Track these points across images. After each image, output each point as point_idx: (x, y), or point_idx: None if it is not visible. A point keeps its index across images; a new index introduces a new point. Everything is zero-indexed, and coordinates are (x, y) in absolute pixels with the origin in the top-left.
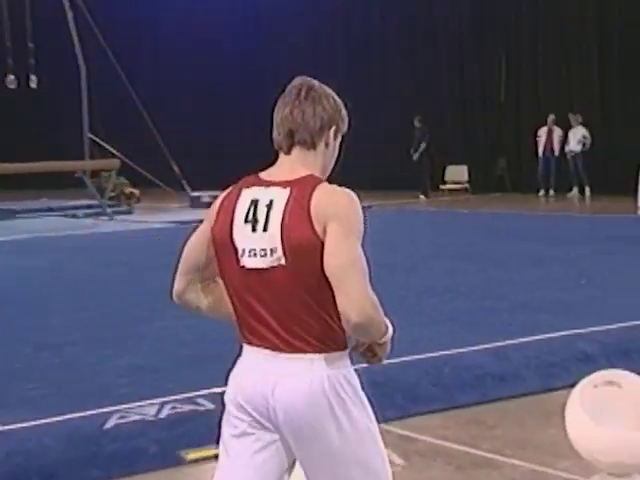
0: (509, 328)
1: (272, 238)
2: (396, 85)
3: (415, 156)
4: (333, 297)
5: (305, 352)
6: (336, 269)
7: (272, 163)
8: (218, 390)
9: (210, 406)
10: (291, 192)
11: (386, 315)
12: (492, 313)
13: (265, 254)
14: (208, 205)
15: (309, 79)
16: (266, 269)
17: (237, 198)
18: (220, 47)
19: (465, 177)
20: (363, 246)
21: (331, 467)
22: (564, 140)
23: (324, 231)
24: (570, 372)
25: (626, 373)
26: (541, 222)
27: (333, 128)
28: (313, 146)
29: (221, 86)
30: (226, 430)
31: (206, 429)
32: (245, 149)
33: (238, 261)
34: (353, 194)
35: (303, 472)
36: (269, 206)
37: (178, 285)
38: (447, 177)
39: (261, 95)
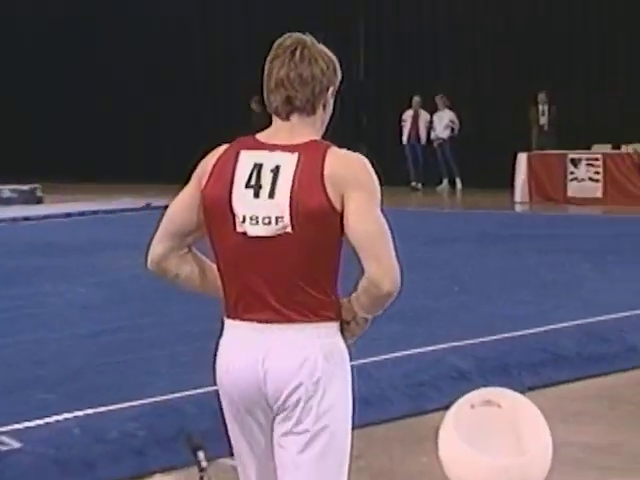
0: (372, 343)
1: (279, 206)
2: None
3: None
4: (334, 268)
5: (297, 322)
6: (366, 235)
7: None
8: (23, 426)
9: (15, 445)
10: (299, 157)
11: None
12: None
13: (269, 222)
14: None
15: (302, 36)
16: (268, 237)
17: (236, 160)
18: None
19: None
20: None
21: (306, 442)
22: (431, 125)
23: (341, 199)
24: (443, 392)
25: (505, 391)
26: (408, 219)
27: (331, 89)
28: (313, 111)
29: None
30: (233, 427)
31: (14, 474)
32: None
33: (235, 227)
34: (365, 158)
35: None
36: (275, 172)
37: (157, 250)
38: None
39: None
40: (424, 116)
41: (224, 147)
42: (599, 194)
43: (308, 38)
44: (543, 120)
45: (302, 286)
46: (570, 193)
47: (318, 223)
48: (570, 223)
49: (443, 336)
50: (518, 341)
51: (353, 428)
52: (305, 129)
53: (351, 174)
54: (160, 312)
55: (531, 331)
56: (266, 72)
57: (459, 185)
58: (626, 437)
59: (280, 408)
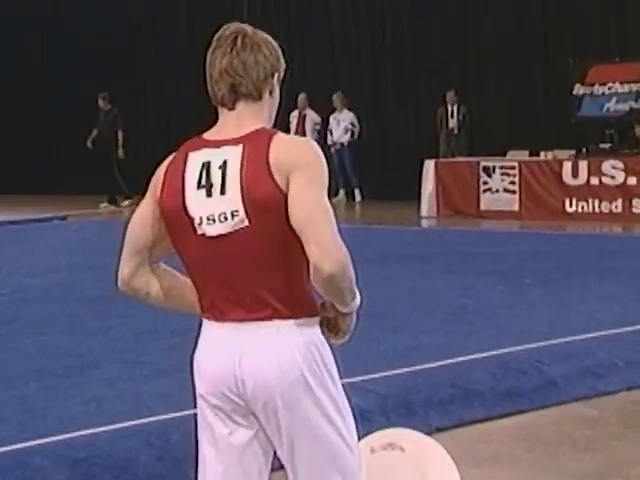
0: None
1: (231, 200)
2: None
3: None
4: (300, 258)
5: (272, 319)
6: (304, 218)
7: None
8: None
9: None
10: (244, 148)
11: None
12: None
13: (226, 218)
14: None
15: (242, 25)
16: (228, 234)
17: (185, 163)
18: None
19: None
20: None
21: (300, 443)
22: (326, 128)
23: (287, 183)
24: None
25: (410, 432)
26: None
27: (276, 75)
28: (259, 97)
29: None
30: (204, 432)
31: None
32: None
33: (195, 230)
34: (313, 141)
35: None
36: (223, 167)
37: (125, 269)
38: None
39: None
40: (311, 116)
41: (173, 154)
42: (515, 207)
43: (248, 27)
44: (452, 122)
45: (269, 280)
46: (483, 206)
47: (273, 211)
48: (483, 240)
49: (340, 370)
50: (424, 375)
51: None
52: (252, 117)
53: (294, 156)
54: (5, 346)
55: (439, 364)
56: (208, 63)
57: (358, 197)
58: None
59: (262, 409)
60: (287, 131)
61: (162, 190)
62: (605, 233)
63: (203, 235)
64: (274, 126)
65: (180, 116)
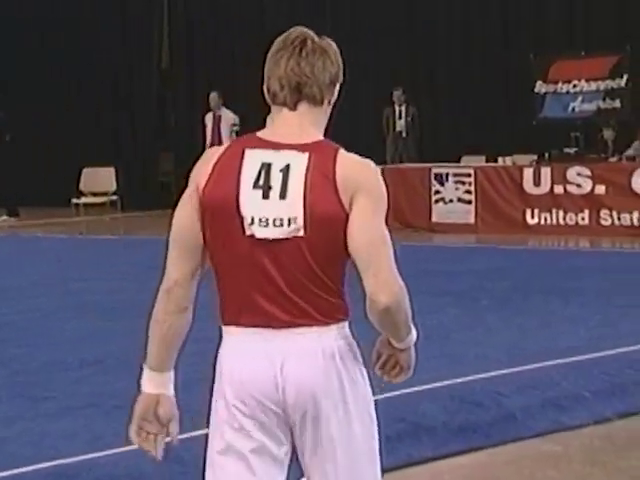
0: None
1: (291, 207)
2: None
3: None
4: (343, 271)
5: (311, 326)
6: (364, 245)
7: None
8: None
9: None
10: (310, 157)
11: None
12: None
13: (281, 224)
14: None
15: (306, 30)
16: (279, 240)
17: (241, 159)
18: None
19: (112, 185)
20: None
21: (336, 449)
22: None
23: (350, 203)
24: None
25: None
26: None
27: (337, 85)
28: (321, 102)
29: None
30: (234, 441)
31: None
32: None
33: (244, 230)
34: (374, 164)
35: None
36: (285, 171)
37: (181, 272)
38: (84, 185)
39: None
40: (227, 117)
41: (223, 147)
42: (471, 219)
43: (313, 33)
44: (400, 125)
45: (312, 290)
46: (435, 218)
47: (332, 227)
48: (435, 256)
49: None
50: None
51: None
52: (313, 123)
53: (362, 179)
54: None
55: (385, 395)
56: (271, 64)
57: None
58: None
59: (301, 418)
60: (203, 135)
61: (208, 181)
62: (570, 248)
63: (251, 236)
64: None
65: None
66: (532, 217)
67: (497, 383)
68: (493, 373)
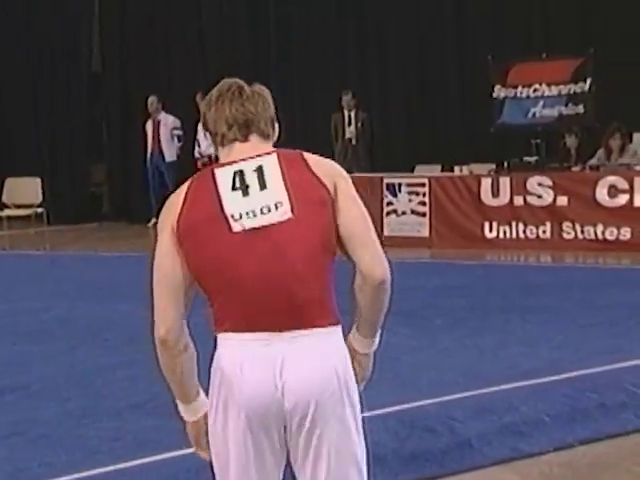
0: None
1: (274, 193)
2: None
3: None
4: (333, 266)
5: (309, 327)
6: (359, 225)
7: None
8: None
9: None
10: (279, 156)
11: None
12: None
13: (269, 210)
14: None
15: (238, 80)
16: (269, 227)
17: (213, 177)
18: None
19: (38, 196)
20: None
21: (330, 455)
22: (194, 138)
23: (334, 189)
24: None
25: None
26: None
27: (276, 125)
28: (268, 136)
29: None
30: (239, 448)
31: None
32: None
33: (231, 228)
34: None
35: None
36: (259, 170)
37: (170, 313)
38: (7, 197)
39: None
40: (166, 122)
41: (187, 182)
42: (425, 232)
43: (243, 82)
44: (350, 131)
45: (308, 285)
46: (387, 231)
47: (317, 208)
48: None
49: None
50: None
51: None
52: (266, 148)
53: (335, 168)
54: None
55: None
56: (213, 111)
57: None
58: None
59: (298, 420)
60: (144, 143)
61: (182, 211)
62: (530, 263)
63: (242, 232)
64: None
65: None
66: (490, 230)
67: (451, 408)
68: (447, 397)
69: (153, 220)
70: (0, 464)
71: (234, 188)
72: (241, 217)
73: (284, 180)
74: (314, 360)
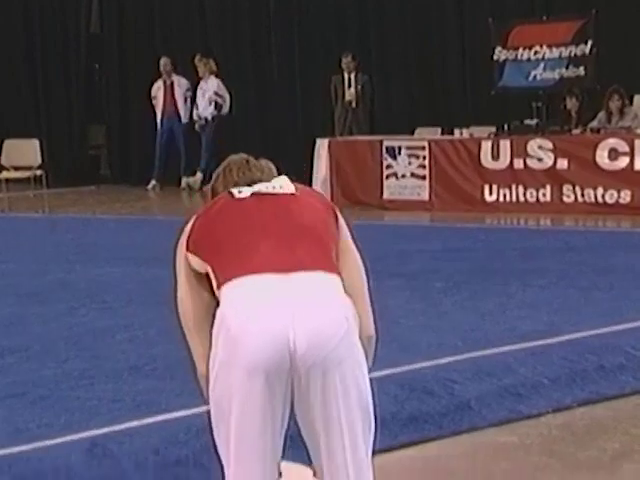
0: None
1: (282, 185)
2: None
3: None
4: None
5: (318, 269)
6: (357, 277)
7: None
8: None
9: None
10: (291, 180)
11: None
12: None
13: (274, 188)
14: None
15: (244, 154)
16: (274, 194)
17: (229, 192)
18: None
19: (37, 159)
20: None
21: (338, 403)
22: (193, 100)
23: (339, 226)
24: (210, 472)
25: (291, 466)
26: (141, 232)
27: None
28: None
29: None
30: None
31: None
32: None
33: (235, 196)
34: None
35: (302, 419)
36: (268, 182)
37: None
38: (5, 159)
39: None
40: (181, 83)
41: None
42: (425, 195)
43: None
44: (350, 94)
45: (314, 233)
46: (386, 194)
47: (323, 213)
48: (386, 235)
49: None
50: None
51: None
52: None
53: (333, 207)
54: None
55: None
56: (220, 180)
57: (199, 178)
58: None
59: (311, 366)
60: (152, 108)
61: (191, 233)
62: (531, 227)
63: (247, 196)
64: None
65: None
66: (490, 194)
67: (450, 370)
68: (446, 360)
69: (152, 182)
70: None
71: (241, 189)
72: (247, 192)
73: (293, 184)
74: (324, 304)
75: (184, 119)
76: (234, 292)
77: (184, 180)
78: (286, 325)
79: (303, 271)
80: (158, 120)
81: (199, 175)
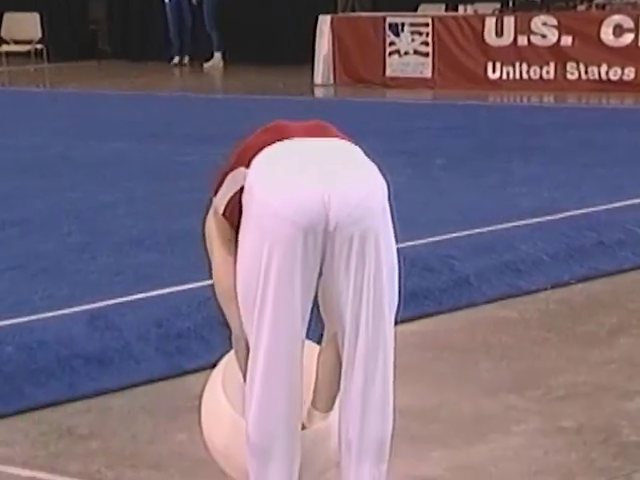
0: (115, 279)
1: None
2: None
3: None
4: None
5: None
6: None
7: None
8: None
9: None
10: None
11: None
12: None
13: None
14: None
15: None
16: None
17: None
18: None
19: (37, 32)
20: None
21: (377, 279)
22: None
23: None
24: (211, 344)
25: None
26: (163, 107)
27: None
28: None
29: None
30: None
31: None
32: None
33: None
34: None
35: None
36: None
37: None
38: (5, 32)
39: None
40: None
41: None
42: (428, 73)
43: None
44: None
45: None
46: (389, 72)
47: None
48: (388, 113)
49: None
50: None
51: (79, 399)
52: None
53: None
54: None
55: None
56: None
57: (217, 61)
58: (449, 397)
59: (346, 239)
60: None
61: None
62: (534, 104)
63: None
64: None
65: None
66: (494, 71)
67: (450, 246)
68: (446, 236)
69: (177, 58)
70: (1, 296)
71: None
72: None
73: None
74: (362, 168)
75: None
76: (261, 159)
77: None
78: (321, 184)
79: (335, 138)
80: None
81: (217, 55)
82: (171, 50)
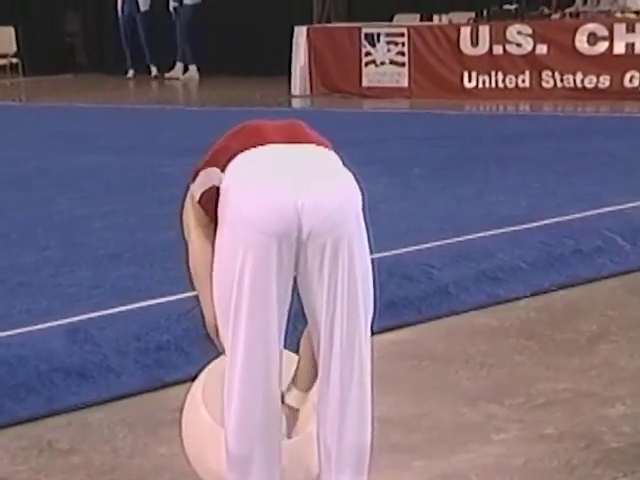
0: (93, 292)
1: None
2: None
3: None
4: None
5: (319, 145)
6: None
7: None
8: None
9: None
10: None
11: None
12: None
13: None
14: None
15: None
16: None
17: None
18: None
19: (12, 46)
20: None
21: (351, 280)
22: None
23: None
24: (190, 357)
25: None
26: (123, 120)
27: None
28: None
29: None
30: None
31: None
32: None
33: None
34: None
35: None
36: None
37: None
38: None
39: None
40: None
41: None
42: (404, 82)
43: None
44: None
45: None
46: (365, 82)
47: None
48: (365, 123)
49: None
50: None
51: (57, 413)
52: None
53: None
54: None
55: None
56: None
57: (193, 73)
58: (429, 407)
59: (319, 243)
60: None
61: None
62: (510, 113)
63: None
64: None
65: None
66: (469, 80)
67: (429, 255)
68: (424, 245)
69: (131, 71)
70: None
71: None
72: None
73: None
74: (334, 173)
75: (143, 7)
76: (237, 164)
77: (154, 70)
78: (295, 191)
79: (311, 144)
80: (119, 7)
81: (179, 65)
82: (125, 63)
